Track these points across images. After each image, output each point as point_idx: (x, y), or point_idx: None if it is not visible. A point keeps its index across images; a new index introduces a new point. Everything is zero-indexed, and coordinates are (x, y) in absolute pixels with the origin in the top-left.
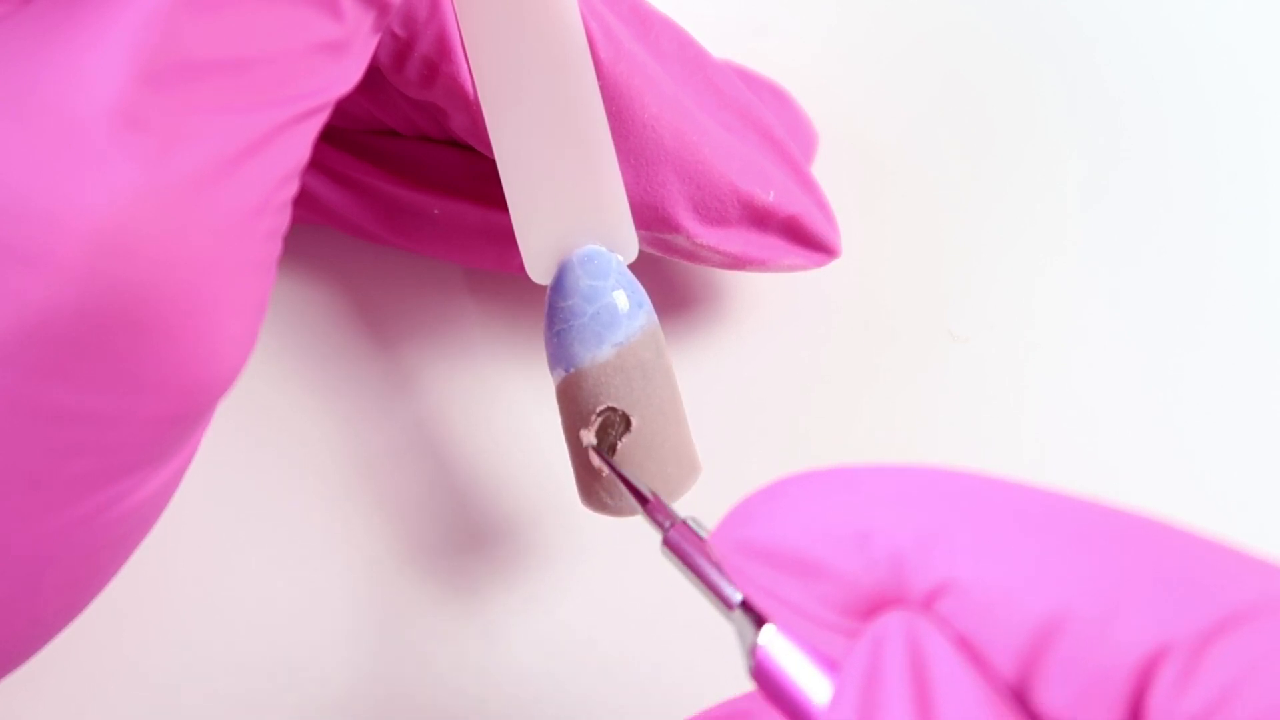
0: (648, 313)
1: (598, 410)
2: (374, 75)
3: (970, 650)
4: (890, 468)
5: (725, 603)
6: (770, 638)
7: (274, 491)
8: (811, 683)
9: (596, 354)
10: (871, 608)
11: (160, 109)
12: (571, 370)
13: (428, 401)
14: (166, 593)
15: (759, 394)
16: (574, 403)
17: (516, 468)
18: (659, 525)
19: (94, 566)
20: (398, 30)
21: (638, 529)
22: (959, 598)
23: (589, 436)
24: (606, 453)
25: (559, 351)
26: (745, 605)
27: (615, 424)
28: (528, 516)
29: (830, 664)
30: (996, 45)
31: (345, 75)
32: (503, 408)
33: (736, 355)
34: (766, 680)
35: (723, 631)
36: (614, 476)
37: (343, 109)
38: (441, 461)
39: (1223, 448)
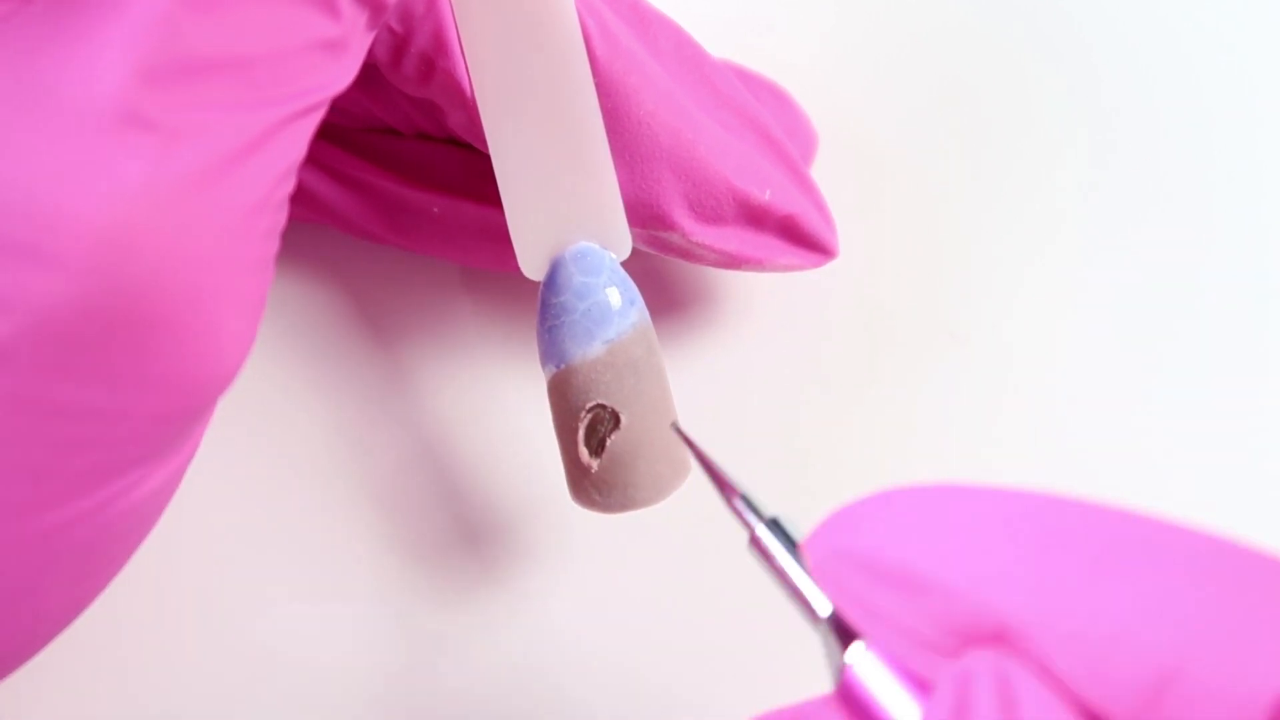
0: (640, 310)
1: (587, 407)
2: (373, 72)
3: (1066, 693)
4: (996, 491)
5: (812, 613)
6: (859, 655)
7: (272, 489)
8: (898, 705)
9: (587, 350)
10: (973, 634)
11: (162, 107)
12: (562, 366)
13: (424, 398)
14: (165, 591)
15: (755, 394)
16: (564, 399)
17: (511, 464)
18: (744, 522)
19: (96, 562)
20: (395, 26)
21: (633, 525)
22: (1071, 638)
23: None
24: (595, 450)
25: (550, 347)
26: (834, 618)
27: (604, 421)
28: (522, 512)
29: (919, 684)
30: (995, 46)
31: (342, 72)
32: (498, 405)
33: (733, 355)
34: (852, 698)
35: (715, 624)
36: (604, 473)
37: (342, 107)
38: (437, 458)
39: (1225, 447)
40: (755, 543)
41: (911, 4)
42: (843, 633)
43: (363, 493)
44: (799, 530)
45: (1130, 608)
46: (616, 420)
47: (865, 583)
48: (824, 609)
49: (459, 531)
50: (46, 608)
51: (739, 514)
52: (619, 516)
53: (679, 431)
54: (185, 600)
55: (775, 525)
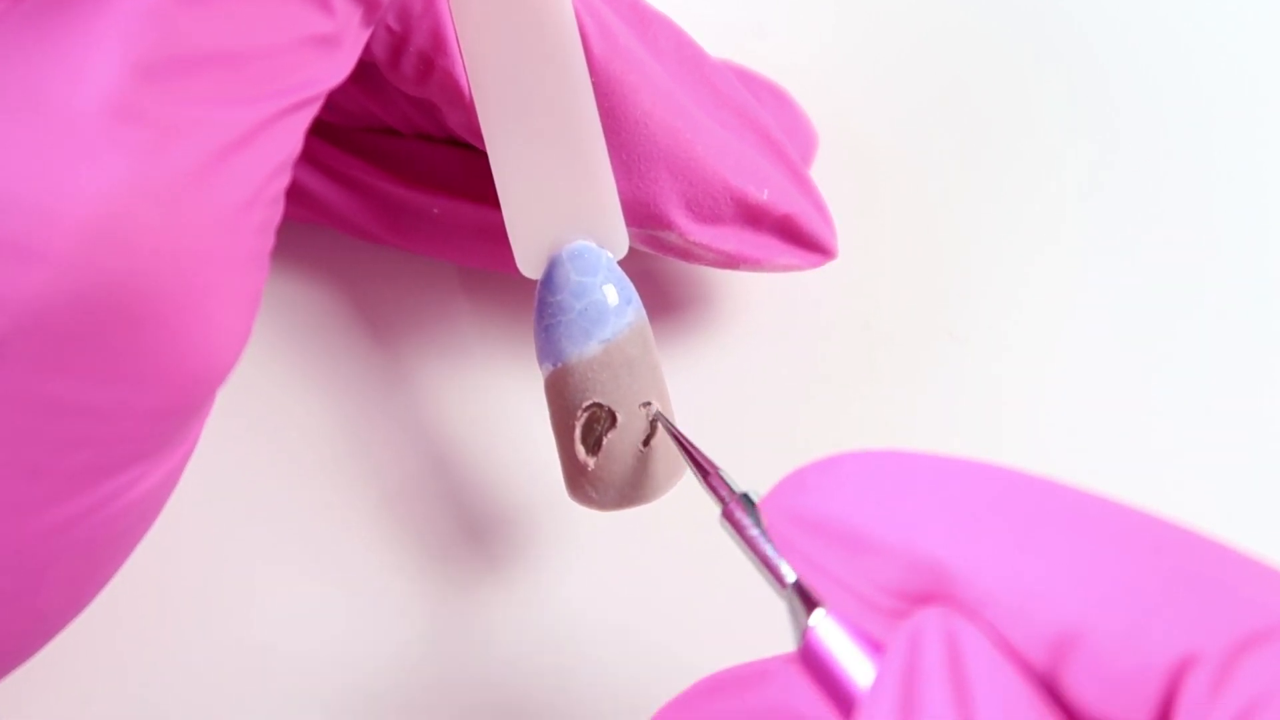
0: (636, 309)
1: (584, 406)
2: (372, 72)
3: (1008, 648)
4: (942, 459)
5: (779, 580)
6: (820, 620)
7: (272, 488)
8: (856, 666)
9: (584, 350)
10: (913, 593)
11: (154, 102)
12: (559, 365)
13: (423, 397)
14: (165, 588)
15: (753, 394)
16: (561, 397)
17: (510, 461)
18: (718, 497)
19: (96, 562)
20: (393, 24)
21: (634, 522)
22: (997, 597)
23: (651, 411)
24: (592, 448)
25: (547, 346)
26: (799, 586)
27: (601, 419)
28: (521, 509)
29: (875, 646)
30: (995, 46)
31: (336, 68)
32: (496, 403)
33: (731, 354)
34: (813, 660)
35: (707, 617)
36: (601, 471)
37: (341, 106)
38: (436, 456)
39: (1225, 448)
40: (727, 516)
41: (910, 5)
42: (806, 599)
43: (362, 490)
44: None
45: (1049, 570)
46: (613, 419)
47: (810, 541)
48: (789, 576)
49: (459, 529)
50: (45, 607)
51: (713, 489)
52: (619, 513)
53: (659, 417)
54: (184, 598)
55: (746, 500)
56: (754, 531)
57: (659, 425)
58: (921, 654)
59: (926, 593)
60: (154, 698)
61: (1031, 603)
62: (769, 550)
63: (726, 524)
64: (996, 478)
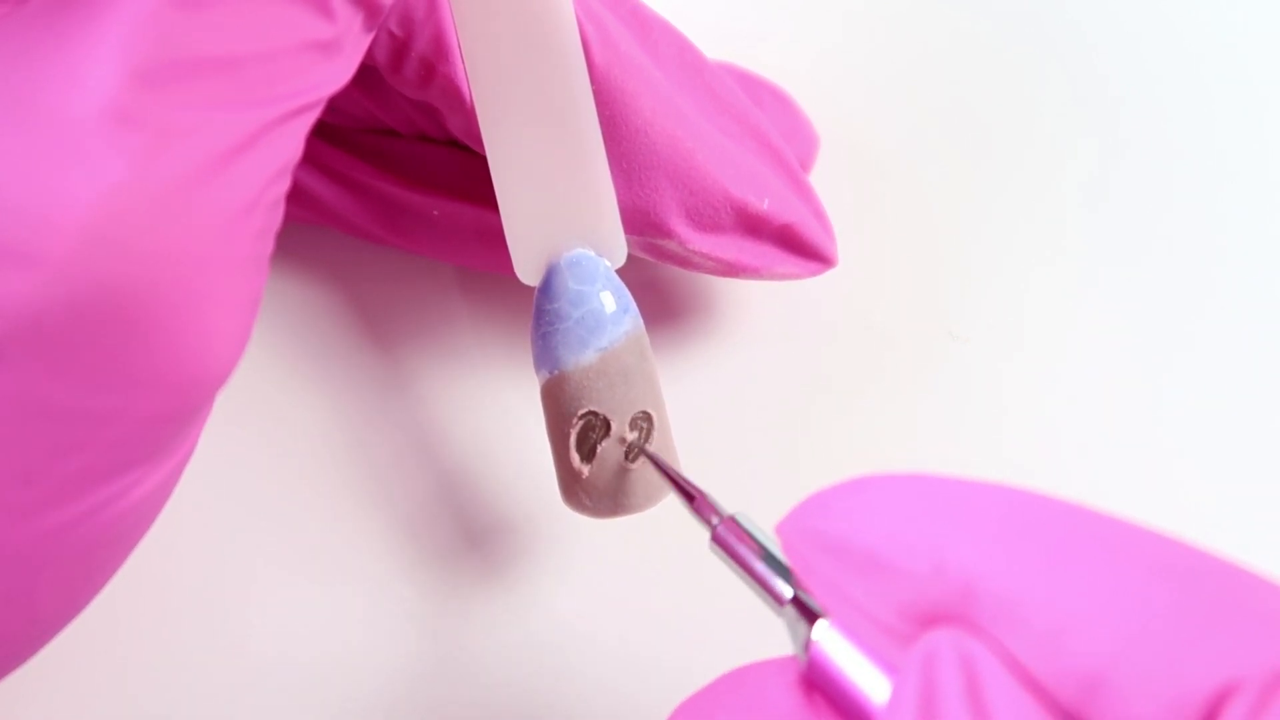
0: (633, 318)
1: (579, 414)
2: (373, 74)
3: (1021, 673)
4: (968, 482)
5: (776, 599)
6: (824, 632)
7: (269, 490)
8: (866, 678)
9: (580, 357)
10: (931, 618)
11: (152, 106)
12: (555, 373)
13: (421, 400)
14: (162, 593)
15: (752, 401)
16: (557, 404)
17: (508, 464)
18: (706, 522)
19: (92, 565)
20: (395, 30)
21: (625, 530)
22: (1029, 625)
23: (625, 433)
24: (587, 456)
25: (544, 353)
26: (797, 601)
27: (596, 428)
28: (519, 512)
29: (883, 660)
30: (997, 50)
31: (337, 73)
32: (494, 407)
33: (731, 361)
34: (820, 675)
35: (704, 622)
36: (595, 479)
37: (343, 108)
38: (434, 458)
39: (1227, 449)
40: (716, 539)
41: (912, 10)
42: (807, 613)
43: (360, 492)
44: (758, 526)
45: (1080, 600)
46: (608, 427)
47: (832, 564)
48: (785, 593)
49: (454, 532)
50: (41, 610)
51: (699, 515)
52: (613, 520)
53: (643, 451)
54: (181, 600)
55: (733, 523)
56: (743, 550)
57: (640, 439)
58: (938, 671)
59: (947, 616)
60: (152, 700)
61: (1066, 631)
62: (761, 568)
63: (716, 547)
64: (1026, 502)
